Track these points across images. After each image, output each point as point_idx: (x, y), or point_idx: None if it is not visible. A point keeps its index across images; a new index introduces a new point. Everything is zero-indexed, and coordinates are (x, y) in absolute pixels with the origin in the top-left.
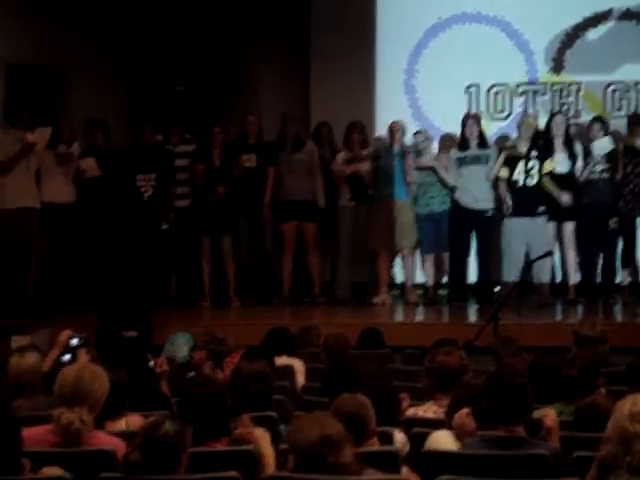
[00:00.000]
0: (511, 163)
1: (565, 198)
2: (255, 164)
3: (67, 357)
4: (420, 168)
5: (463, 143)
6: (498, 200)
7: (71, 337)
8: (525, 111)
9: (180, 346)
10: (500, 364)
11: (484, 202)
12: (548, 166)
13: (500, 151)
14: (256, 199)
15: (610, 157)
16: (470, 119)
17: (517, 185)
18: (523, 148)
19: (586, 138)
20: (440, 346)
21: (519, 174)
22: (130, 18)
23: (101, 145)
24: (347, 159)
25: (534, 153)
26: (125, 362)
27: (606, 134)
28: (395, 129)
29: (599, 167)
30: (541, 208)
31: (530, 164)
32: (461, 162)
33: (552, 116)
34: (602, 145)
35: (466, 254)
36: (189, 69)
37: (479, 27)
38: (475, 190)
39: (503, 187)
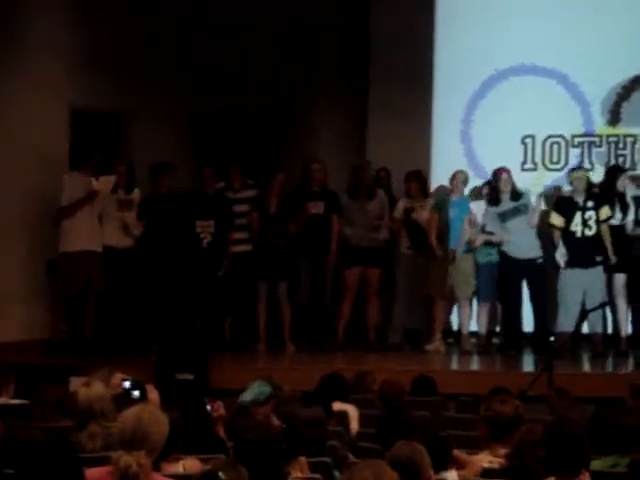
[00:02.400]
0: (565, 211)
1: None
2: (322, 211)
3: (136, 393)
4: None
5: (496, 198)
6: (550, 249)
7: (123, 379)
8: (572, 169)
9: (248, 392)
10: (558, 414)
11: (531, 251)
12: (605, 213)
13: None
14: (321, 244)
15: None
16: (505, 173)
17: (575, 236)
18: (579, 199)
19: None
20: (495, 395)
21: (576, 225)
22: (192, 64)
23: (165, 192)
24: (407, 207)
25: (590, 203)
26: (181, 405)
27: None
28: (459, 179)
29: None
30: (598, 258)
31: (587, 214)
32: (502, 217)
33: (618, 172)
34: None
35: (518, 303)
36: (250, 117)
37: (535, 79)
38: (521, 241)
39: (558, 235)
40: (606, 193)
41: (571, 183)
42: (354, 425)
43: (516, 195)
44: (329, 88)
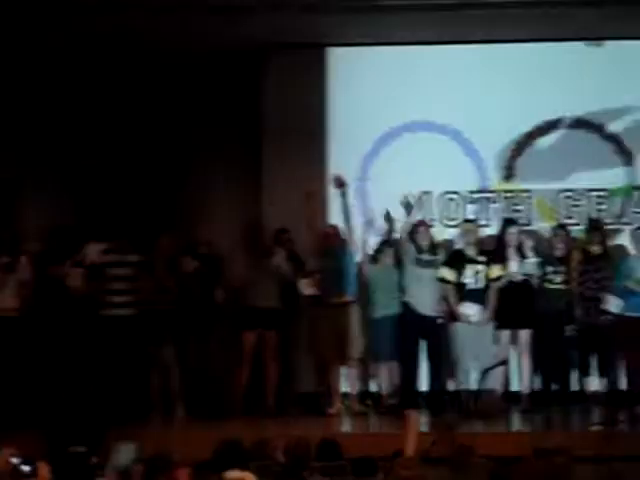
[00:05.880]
0: (456, 265)
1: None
2: (192, 270)
3: (27, 468)
4: None
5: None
6: (447, 307)
7: (12, 455)
8: (465, 220)
9: (122, 454)
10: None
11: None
12: (496, 272)
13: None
14: (204, 305)
15: (564, 264)
16: (422, 227)
17: (466, 288)
18: (470, 252)
19: (542, 246)
20: (395, 458)
21: (467, 278)
22: (79, 132)
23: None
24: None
25: (482, 258)
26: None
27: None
28: (336, 232)
29: (555, 276)
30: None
31: (479, 267)
32: (418, 263)
33: (505, 226)
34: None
35: (415, 361)
36: (138, 184)
37: (429, 135)
38: (426, 295)
39: (450, 291)
40: (501, 249)
41: (462, 235)
42: None
43: (434, 250)
44: (222, 150)
